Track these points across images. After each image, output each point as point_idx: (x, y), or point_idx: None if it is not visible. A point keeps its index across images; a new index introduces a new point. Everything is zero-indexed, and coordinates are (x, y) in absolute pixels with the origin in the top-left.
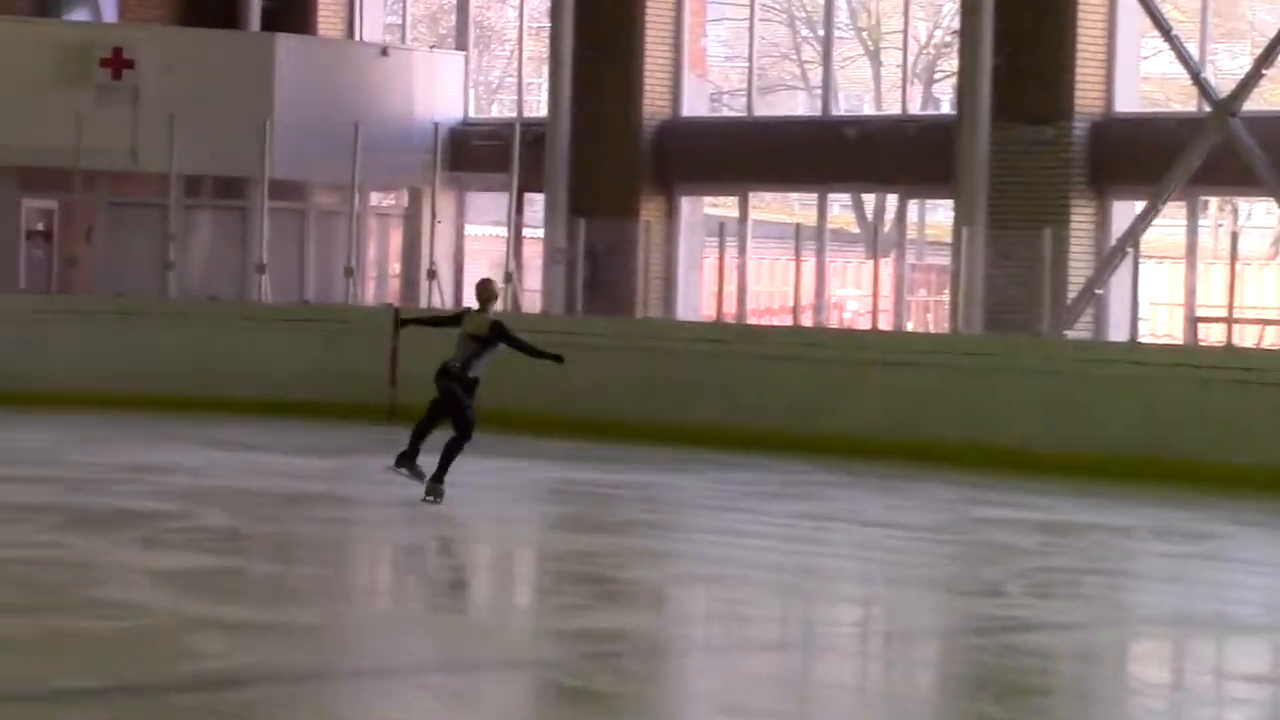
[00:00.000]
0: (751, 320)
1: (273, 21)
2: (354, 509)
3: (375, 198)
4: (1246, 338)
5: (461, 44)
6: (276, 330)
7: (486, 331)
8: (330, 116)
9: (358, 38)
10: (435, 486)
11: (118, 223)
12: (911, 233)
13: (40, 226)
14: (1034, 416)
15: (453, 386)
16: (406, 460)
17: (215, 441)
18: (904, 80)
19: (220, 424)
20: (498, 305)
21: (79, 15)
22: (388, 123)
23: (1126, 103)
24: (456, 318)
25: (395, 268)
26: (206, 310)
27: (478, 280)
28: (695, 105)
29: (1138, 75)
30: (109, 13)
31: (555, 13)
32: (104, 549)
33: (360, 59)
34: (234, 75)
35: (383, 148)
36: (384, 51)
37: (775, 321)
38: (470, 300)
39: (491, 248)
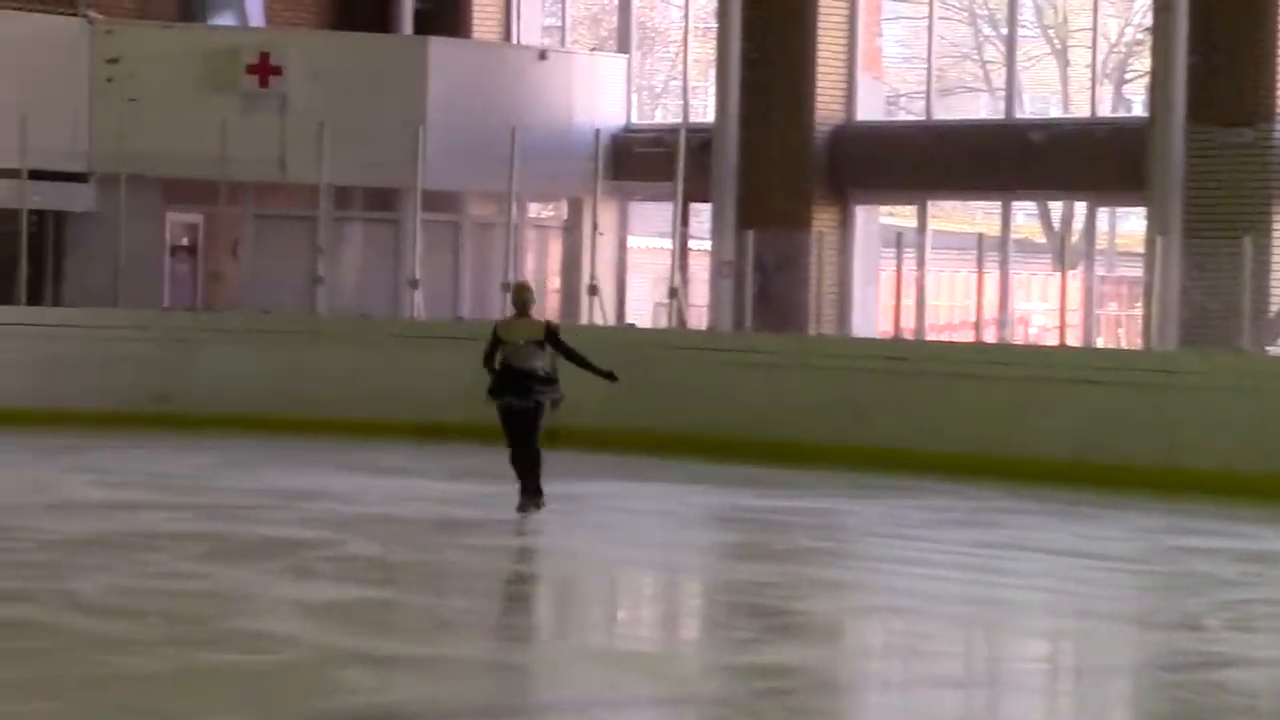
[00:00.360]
0: (931, 336)
1: (426, 24)
2: (509, 537)
3: (533, 209)
4: None
5: (623, 46)
6: (430, 349)
7: (543, 335)
8: (486, 123)
9: (515, 40)
10: (537, 499)
11: (265, 236)
12: (1101, 242)
13: (185, 241)
14: (1235, 438)
15: (539, 395)
16: (531, 496)
17: (366, 466)
18: (1093, 81)
19: (371, 448)
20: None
21: (224, 20)
22: (546, 129)
23: None
24: (495, 340)
25: (554, 282)
26: (357, 328)
27: (515, 283)
28: (870, 109)
29: None
30: (255, 17)
31: (722, 12)
32: (250, 579)
33: (518, 63)
34: (385, 81)
35: (541, 156)
36: (542, 55)
37: (956, 338)
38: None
39: (655, 261)
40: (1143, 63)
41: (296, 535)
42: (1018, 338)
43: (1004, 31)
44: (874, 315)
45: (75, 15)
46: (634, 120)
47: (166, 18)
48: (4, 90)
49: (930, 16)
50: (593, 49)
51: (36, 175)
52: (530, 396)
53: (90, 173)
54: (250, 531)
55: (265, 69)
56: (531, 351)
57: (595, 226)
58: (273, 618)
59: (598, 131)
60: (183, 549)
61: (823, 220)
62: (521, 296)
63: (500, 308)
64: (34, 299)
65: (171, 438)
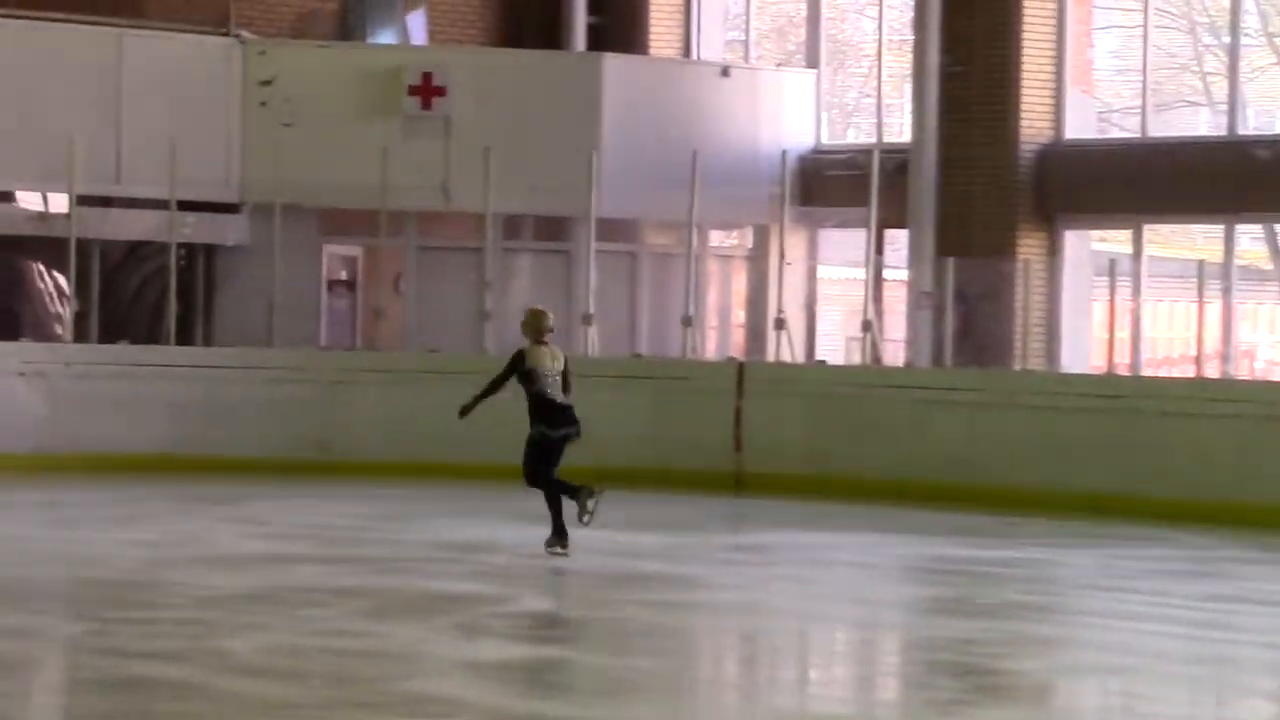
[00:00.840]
0: (1148, 372)
1: (600, 40)
2: (694, 591)
3: (716, 237)
4: None
5: (812, 61)
6: (605, 388)
7: (565, 365)
8: (665, 146)
9: (695, 56)
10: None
11: (428, 269)
12: None
13: (343, 275)
14: None
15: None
16: (561, 536)
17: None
18: None
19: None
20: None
21: (385, 38)
22: (729, 152)
23: None
24: (512, 368)
25: (739, 316)
26: None
27: (534, 309)
28: (1081, 126)
29: None
30: (418, 35)
31: (919, 23)
32: (417, 637)
33: (698, 80)
34: (557, 101)
35: (724, 180)
36: (725, 71)
37: (1175, 373)
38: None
39: (848, 292)
40: None
41: (465, 590)
42: (1242, 372)
43: (1226, 40)
44: (1085, 349)
45: (226, 35)
46: (824, 141)
47: (323, 36)
48: (151, 116)
49: (1145, 26)
50: (779, 64)
51: (186, 206)
52: (566, 427)
53: (242, 203)
54: (416, 586)
55: (428, 90)
56: (559, 382)
57: (782, 256)
58: (440, 679)
59: (785, 153)
60: (344, 605)
61: (1029, 247)
62: (542, 323)
63: (681, 344)
64: (183, 338)
65: (330, 486)
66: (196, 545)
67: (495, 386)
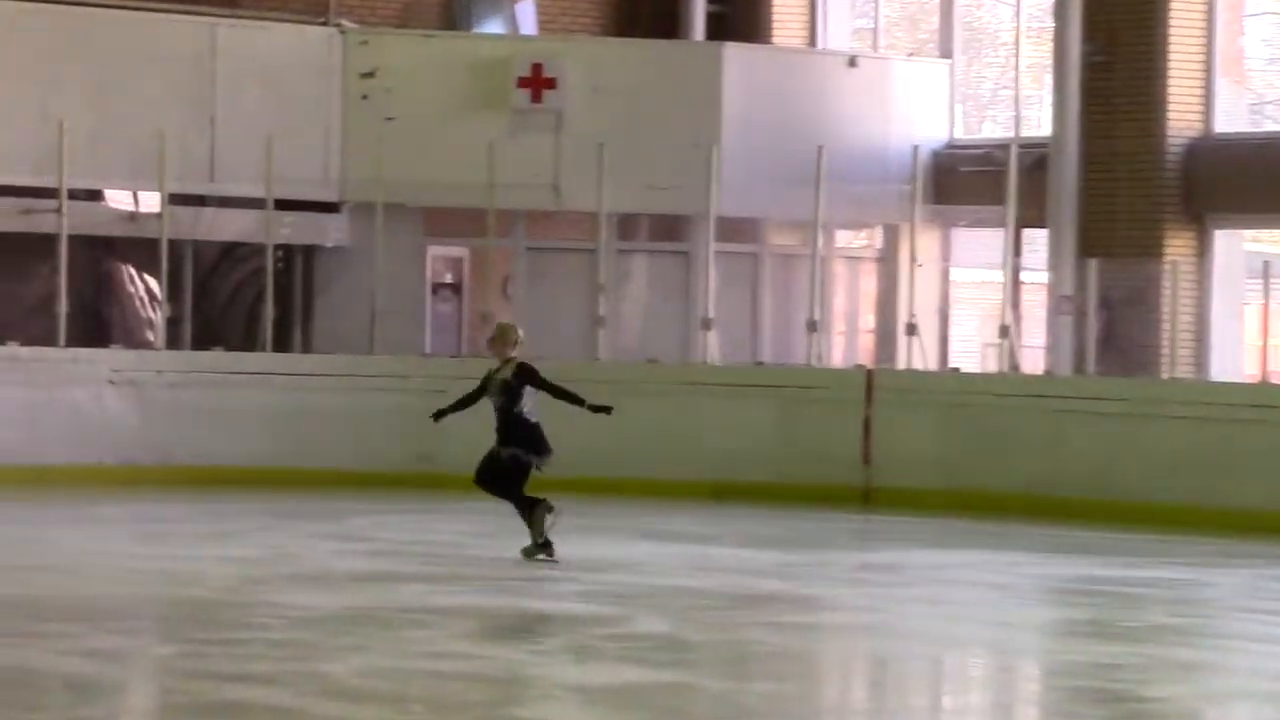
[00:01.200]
0: None
1: (720, 29)
2: (819, 612)
3: (842, 237)
4: None
5: (946, 51)
6: (725, 398)
7: (512, 378)
8: (789, 141)
9: (821, 46)
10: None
11: (538, 272)
12: None
13: (448, 278)
14: None
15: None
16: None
17: (653, 532)
18: None
19: (659, 511)
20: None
21: (492, 27)
22: (857, 147)
23: None
24: (484, 386)
25: (868, 321)
26: (643, 375)
27: (501, 325)
28: (1232, 118)
29: None
30: (527, 24)
31: (1059, 10)
32: (524, 660)
33: (824, 71)
34: (674, 93)
35: (851, 177)
36: (852, 62)
37: None
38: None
39: (983, 295)
40: None
41: (575, 610)
42: None
43: None
44: (1237, 357)
45: (326, 24)
46: (958, 135)
47: (428, 26)
48: (247, 110)
49: None
50: (910, 54)
51: (283, 205)
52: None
53: (343, 202)
54: (524, 606)
55: (538, 82)
56: (498, 400)
57: (914, 257)
58: (549, 704)
59: (916, 148)
60: (448, 626)
61: (1177, 247)
62: (511, 336)
63: (806, 351)
64: (280, 345)
65: (434, 501)
66: (293, 563)
67: (464, 403)
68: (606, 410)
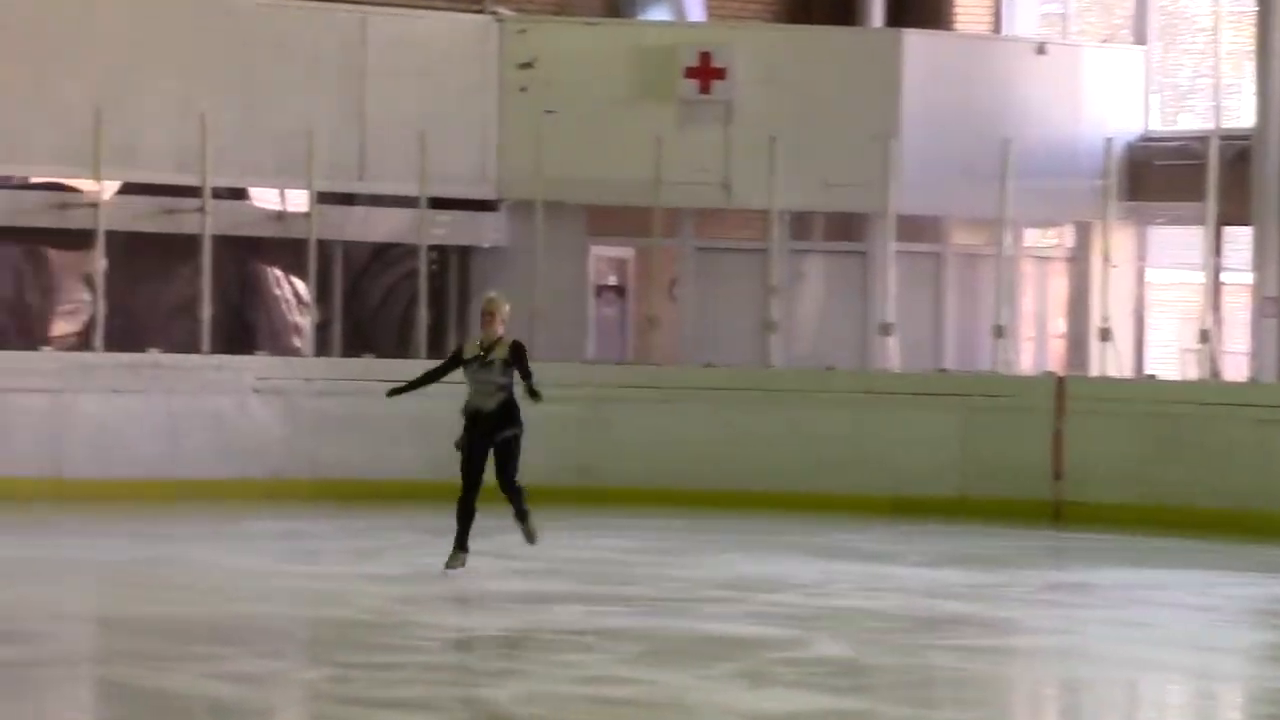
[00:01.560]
0: None
1: (900, 14)
2: (1007, 635)
3: (1030, 236)
4: None
5: (1140, 37)
6: (906, 407)
7: (510, 356)
8: (972, 133)
9: (1007, 32)
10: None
11: (707, 273)
12: None
13: (612, 280)
14: None
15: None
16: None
17: (829, 550)
18: None
19: (837, 527)
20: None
21: (657, 14)
22: (1046, 140)
23: None
24: (453, 357)
25: (1058, 325)
26: (818, 383)
27: (493, 299)
28: None
29: None
30: (694, 10)
31: None
32: (693, 686)
33: (1010, 59)
34: (851, 84)
35: (1039, 171)
36: (1041, 49)
37: None
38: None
39: (1181, 298)
40: None
41: (749, 633)
42: None
43: None
44: None
45: (482, 13)
46: (1154, 127)
47: (590, 13)
48: (399, 104)
49: None
50: (1103, 40)
51: (437, 204)
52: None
53: (500, 200)
54: (693, 628)
55: (707, 72)
56: (500, 379)
57: (1107, 257)
58: None
59: (1109, 141)
60: (612, 649)
61: None
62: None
63: (992, 356)
64: (435, 351)
65: (595, 516)
66: (447, 582)
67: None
68: (537, 396)
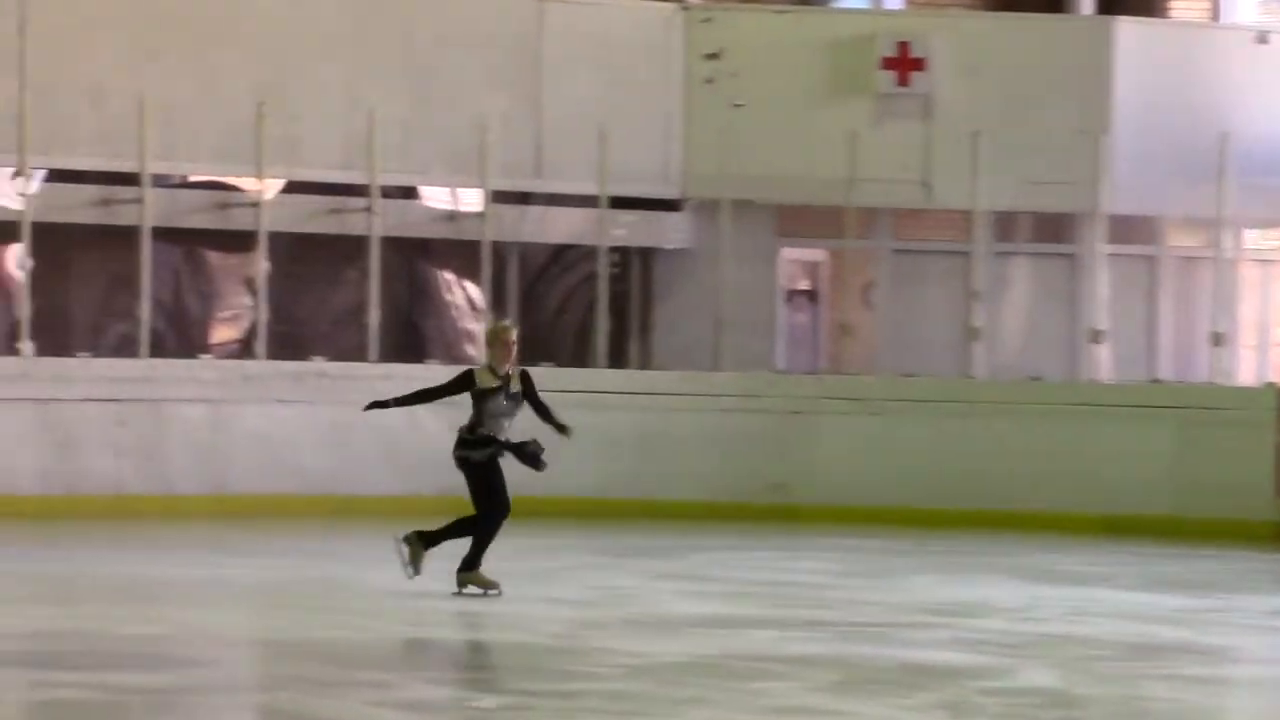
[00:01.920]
0: None
1: (1111, 0)
2: (1227, 664)
3: (1251, 237)
4: None
5: None
6: (1117, 420)
7: (523, 388)
8: (1189, 128)
9: (1225, 20)
10: (478, 576)
11: (906, 278)
12: None
13: (804, 284)
14: None
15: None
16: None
17: (1037, 572)
18: None
19: (1045, 548)
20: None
21: (853, 1)
22: (1268, 134)
23: None
24: (462, 382)
25: (1279, 334)
26: (1024, 394)
27: (504, 326)
28: None
29: None
30: None
31: None
32: (893, 717)
33: (1229, 48)
34: (1059, 75)
35: (1261, 168)
36: (1262, 38)
37: None
38: None
39: None
40: None
41: (950, 661)
42: None
43: None
44: None
45: (665, 0)
46: None
47: (780, 1)
48: (578, 97)
49: None
50: None
51: (618, 203)
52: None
53: (684, 199)
54: (890, 656)
55: (905, 63)
56: (512, 414)
57: None
58: None
59: None
60: (805, 677)
61: None
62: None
63: (1210, 366)
64: (615, 360)
65: (788, 536)
66: (629, 605)
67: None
68: (566, 431)
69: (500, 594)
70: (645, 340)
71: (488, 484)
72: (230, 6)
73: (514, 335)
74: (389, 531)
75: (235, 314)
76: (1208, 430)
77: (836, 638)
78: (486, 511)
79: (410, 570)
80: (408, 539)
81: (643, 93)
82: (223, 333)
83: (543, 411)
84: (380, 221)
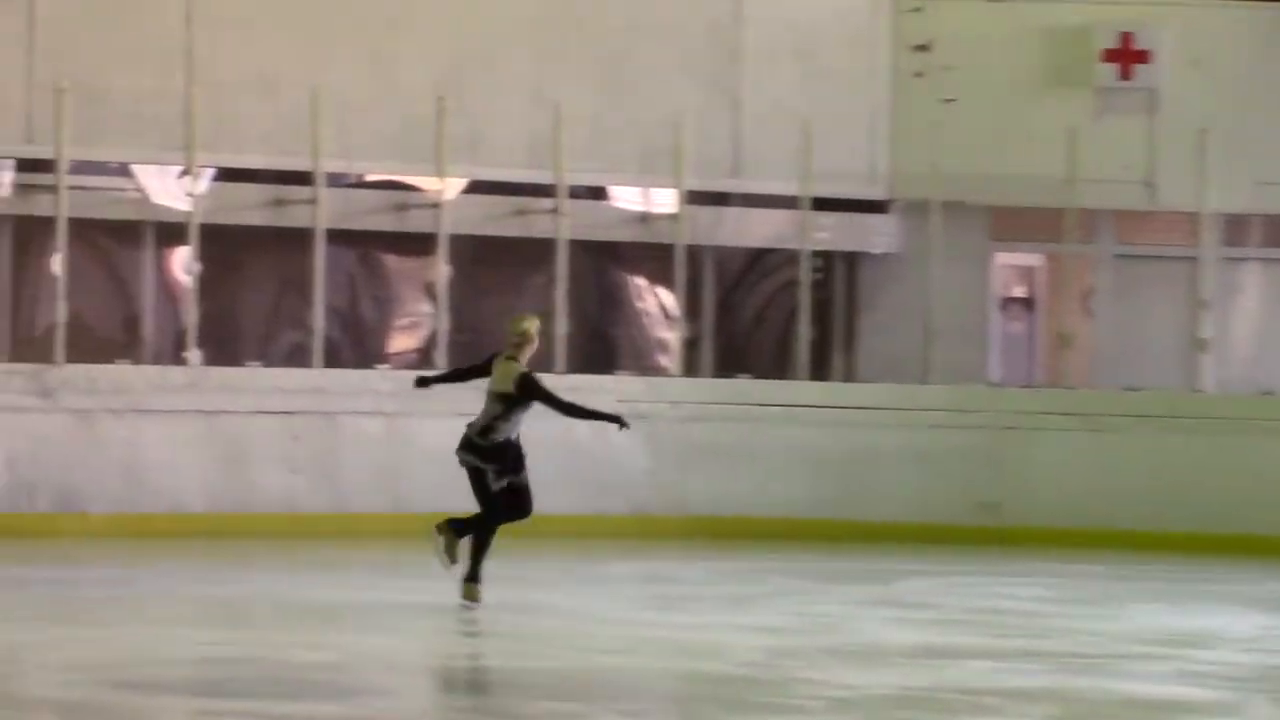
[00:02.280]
0: None
1: None
2: None
3: None
4: None
5: None
6: None
7: (513, 388)
8: None
9: None
10: (470, 588)
11: (1128, 284)
12: None
13: (1019, 291)
14: None
15: (472, 460)
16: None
17: (1269, 601)
18: None
19: (1273, 575)
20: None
21: None
22: None
23: None
24: (485, 367)
25: None
26: (1257, 410)
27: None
28: None
29: None
30: None
31: None
32: None
33: None
34: None
35: None
36: None
37: None
38: None
39: None
40: None
41: (1176, 695)
42: None
43: None
44: None
45: None
46: None
47: None
48: (777, 92)
49: None
50: None
51: (821, 204)
52: (464, 455)
53: (892, 200)
54: (1113, 689)
55: (1128, 55)
56: (489, 403)
57: None
58: None
59: None
60: (1022, 711)
61: None
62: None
63: None
64: (818, 372)
65: (1003, 560)
66: (833, 633)
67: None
68: (619, 422)
69: (478, 606)
70: (849, 351)
71: (483, 486)
72: None
73: (532, 329)
74: (577, 553)
75: (414, 322)
76: None
77: (1054, 669)
78: (486, 514)
79: (445, 560)
80: (439, 528)
81: (847, 86)
82: (400, 341)
83: (573, 410)
84: (567, 223)
